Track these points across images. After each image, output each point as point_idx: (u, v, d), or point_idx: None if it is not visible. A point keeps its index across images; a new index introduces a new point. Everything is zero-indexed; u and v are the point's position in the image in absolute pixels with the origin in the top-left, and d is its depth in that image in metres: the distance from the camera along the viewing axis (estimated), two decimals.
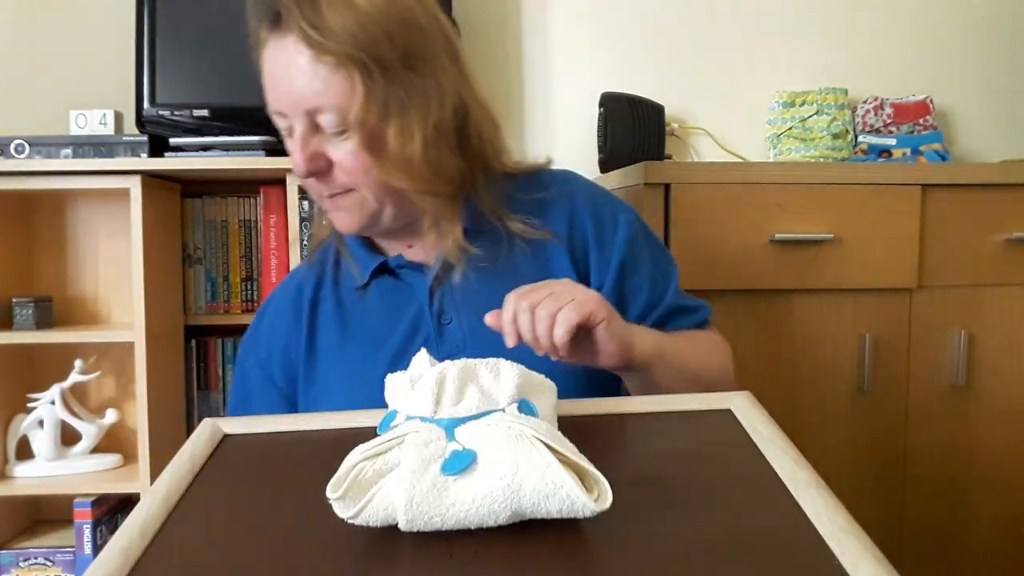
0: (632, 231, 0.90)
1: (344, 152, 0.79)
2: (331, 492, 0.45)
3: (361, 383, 0.81)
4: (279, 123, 0.82)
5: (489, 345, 0.75)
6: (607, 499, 0.45)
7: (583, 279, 0.87)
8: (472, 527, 0.46)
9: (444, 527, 0.45)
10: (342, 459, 0.47)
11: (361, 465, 0.47)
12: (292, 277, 0.95)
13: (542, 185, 0.90)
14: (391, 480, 0.46)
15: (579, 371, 0.77)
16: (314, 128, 0.79)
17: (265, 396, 0.91)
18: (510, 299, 0.71)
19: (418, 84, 0.79)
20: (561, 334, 0.67)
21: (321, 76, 0.75)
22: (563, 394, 0.60)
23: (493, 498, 0.45)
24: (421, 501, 0.45)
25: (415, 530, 0.46)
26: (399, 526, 0.45)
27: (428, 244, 0.88)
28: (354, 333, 0.86)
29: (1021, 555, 1.56)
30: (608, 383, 0.84)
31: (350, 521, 0.46)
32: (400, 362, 0.79)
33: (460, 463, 0.46)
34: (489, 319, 0.72)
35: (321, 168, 0.80)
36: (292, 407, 0.89)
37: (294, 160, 0.80)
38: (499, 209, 0.87)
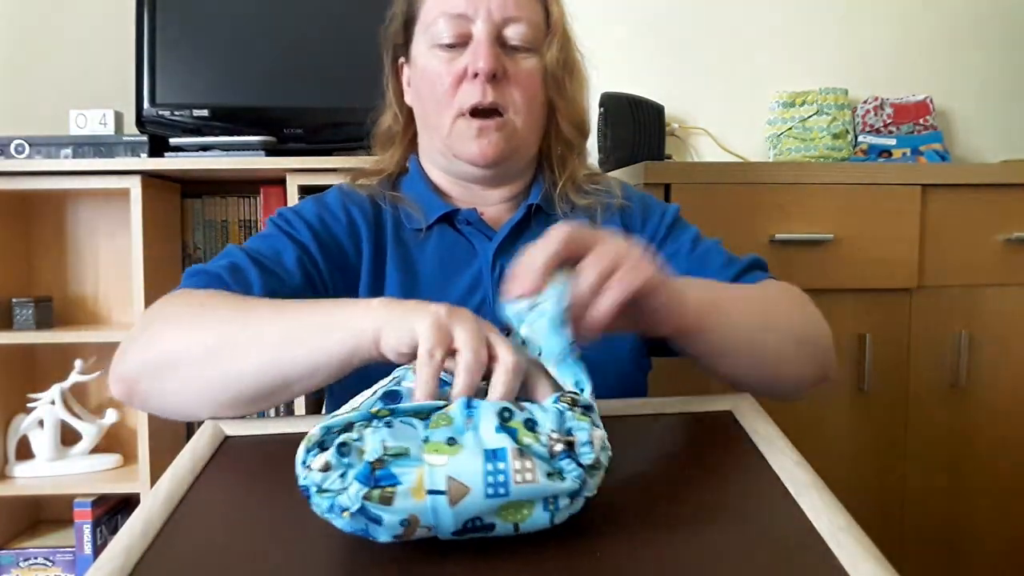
0: (679, 213, 0.93)
1: (524, 69, 0.83)
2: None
3: None
4: (447, 28, 0.82)
5: None
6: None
7: None
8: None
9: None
10: None
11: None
12: (349, 194, 0.89)
13: (600, 183, 0.94)
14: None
15: (608, 368, 0.72)
16: (497, 38, 0.81)
17: (298, 250, 0.80)
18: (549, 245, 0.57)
19: (577, 55, 0.90)
20: (607, 307, 0.55)
21: None
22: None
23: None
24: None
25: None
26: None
27: (497, 212, 0.90)
28: (418, 276, 0.85)
29: (1021, 554, 1.56)
30: (634, 378, 0.85)
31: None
32: None
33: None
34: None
35: (499, 74, 0.81)
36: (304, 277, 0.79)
37: (473, 59, 0.80)
38: (569, 195, 0.90)
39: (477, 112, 0.81)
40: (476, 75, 0.80)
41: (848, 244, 1.48)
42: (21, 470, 1.66)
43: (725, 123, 1.95)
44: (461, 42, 0.82)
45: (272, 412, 1.72)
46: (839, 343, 1.50)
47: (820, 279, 1.48)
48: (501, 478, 0.42)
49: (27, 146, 1.59)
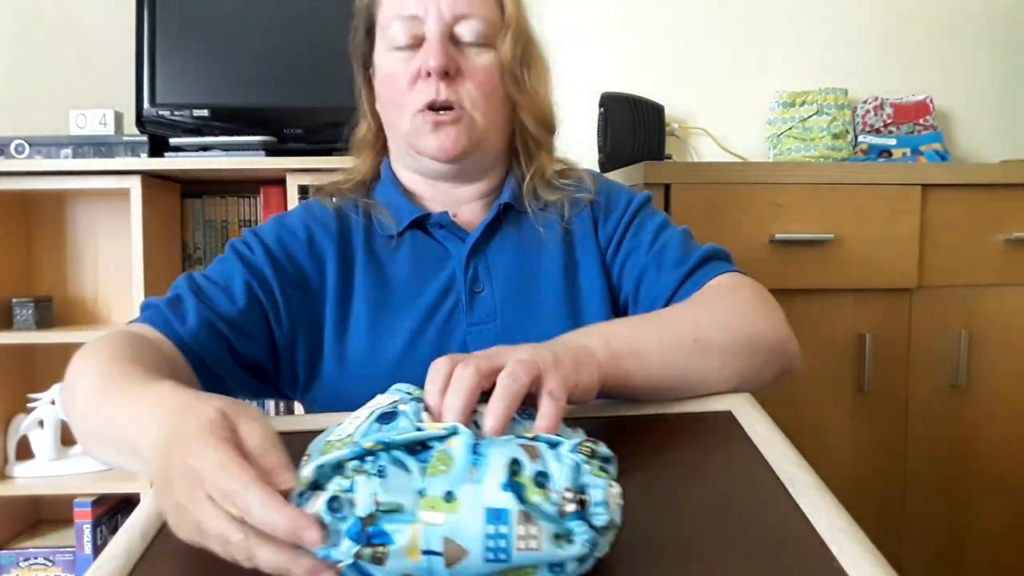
0: (644, 202, 0.92)
1: (479, 64, 0.83)
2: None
3: (392, 334, 0.82)
4: (400, 30, 0.83)
5: (517, 318, 0.77)
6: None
7: (603, 256, 0.88)
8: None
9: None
10: None
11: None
12: (312, 211, 0.90)
13: (571, 176, 0.93)
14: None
15: None
16: (449, 37, 0.82)
17: (249, 280, 0.80)
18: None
19: (539, 50, 0.90)
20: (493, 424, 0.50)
21: None
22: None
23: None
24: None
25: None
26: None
27: (470, 212, 0.90)
28: (390, 284, 0.85)
29: (1021, 555, 1.56)
30: None
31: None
32: (429, 321, 0.82)
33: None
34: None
35: (451, 71, 0.82)
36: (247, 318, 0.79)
37: (424, 58, 0.81)
38: (537, 191, 0.90)
39: (434, 106, 0.82)
40: (429, 74, 0.81)
41: (848, 244, 1.48)
42: (21, 470, 1.66)
43: (725, 123, 1.95)
44: (415, 43, 0.83)
45: (272, 411, 1.72)
46: (839, 343, 1.52)
47: (820, 279, 1.48)
48: (502, 543, 0.39)
49: (27, 146, 1.59)
